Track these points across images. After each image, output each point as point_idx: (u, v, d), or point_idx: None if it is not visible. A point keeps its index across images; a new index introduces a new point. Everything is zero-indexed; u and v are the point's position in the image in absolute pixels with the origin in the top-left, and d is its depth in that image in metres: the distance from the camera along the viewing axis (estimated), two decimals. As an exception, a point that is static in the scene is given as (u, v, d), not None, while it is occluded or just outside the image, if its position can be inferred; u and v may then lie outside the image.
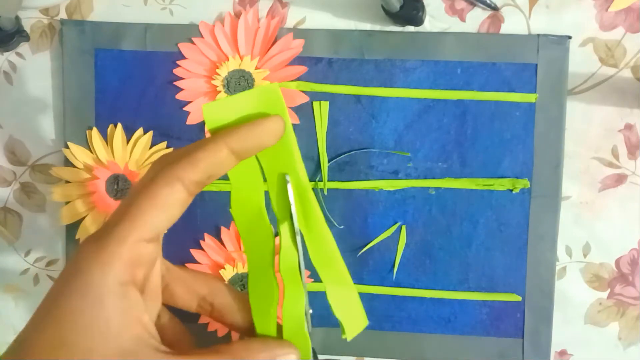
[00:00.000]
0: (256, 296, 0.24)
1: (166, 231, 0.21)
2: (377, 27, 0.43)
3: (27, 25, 0.44)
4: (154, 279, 0.22)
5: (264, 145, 0.22)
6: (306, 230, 0.24)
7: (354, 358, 0.44)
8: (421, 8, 0.40)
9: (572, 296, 0.43)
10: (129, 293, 0.20)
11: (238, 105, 0.23)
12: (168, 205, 0.20)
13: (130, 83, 0.43)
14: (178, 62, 0.42)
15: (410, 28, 0.42)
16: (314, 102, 0.42)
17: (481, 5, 0.42)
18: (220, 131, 0.22)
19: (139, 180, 0.21)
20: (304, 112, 0.43)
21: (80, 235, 0.43)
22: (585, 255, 0.43)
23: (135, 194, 0.20)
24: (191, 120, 0.43)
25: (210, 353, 0.21)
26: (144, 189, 0.20)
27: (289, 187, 0.23)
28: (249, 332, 0.25)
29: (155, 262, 0.21)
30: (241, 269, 0.42)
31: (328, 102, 0.42)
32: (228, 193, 0.43)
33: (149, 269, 0.21)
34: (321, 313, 0.43)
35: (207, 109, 0.22)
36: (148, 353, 0.19)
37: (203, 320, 0.43)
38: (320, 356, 0.44)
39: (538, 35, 0.41)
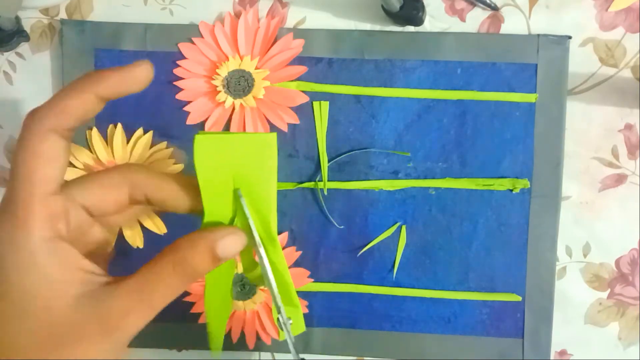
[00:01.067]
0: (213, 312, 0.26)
1: (63, 178, 0.22)
2: (377, 27, 0.43)
3: (27, 25, 0.44)
4: (77, 224, 0.22)
5: (130, 92, 0.23)
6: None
7: (354, 358, 0.44)
8: (421, 8, 0.40)
9: (572, 296, 0.43)
10: (57, 246, 0.21)
11: (231, 144, 0.23)
12: (53, 157, 0.21)
13: (130, 83, 0.43)
14: (178, 62, 0.42)
15: (410, 28, 0.42)
16: (314, 102, 0.42)
17: (481, 5, 0.42)
18: (87, 77, 0.22)
19: (17, 141, 0.21)
20: (304, 112, 0.43)
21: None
22: (585, 255, 0.43)
23: (20, 154, 0.21)
24: (191, 120, 0.43)
25: (154, 261, 0.22)
26: (25, 149, 0.21)
27: (243, 201, 0.23)
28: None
29: (69, 209, 0.22)
30: (241, 269, 0.42)
31: (328, 102, 0.42)
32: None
33: (67, 217, 0.22)
34: (321, 313, 0.44)
35: (199, 140, 0.22)
36: (98, 292, 0.21)
37: (203, 320, 0.43)
38: (307, 356, 0.44)
39: (538, 35, 0.41)
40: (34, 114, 0.22)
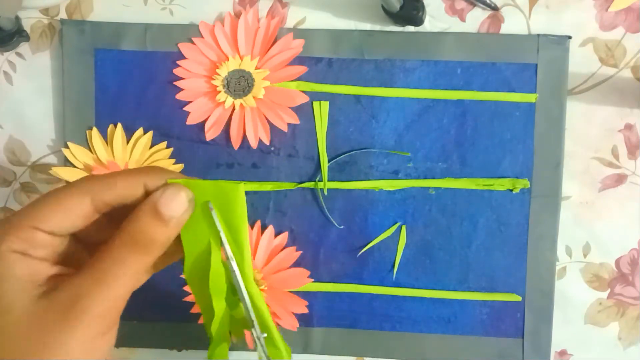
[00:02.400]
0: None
1: (68, 233, 0.23)
2: (377, 27, 0.43)
3: (27, 25, 0.44)
4: (47, 246, 0.23)
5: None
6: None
7: (354, 358, 0.44)
8: (421, 8, 0.40)
9: (572, 296, 0.43)
10: (11, 258, 0.21)
11: (202, 190, 0.23)
12: (72, 211, 0.22)
13: (130, 83, 0.43)
14: (178, 62, 0.42)
15: (410, 28, 0.42)
16: (314, 102, 0.42)
17: (481, 5, 0.42)
18: (139, 170, 0.23)
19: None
20: (304, 112, 0.43)
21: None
22: (585, 255, 0.43)
23: (54, 190, 0.22)
24: (191, 120, 0.43)
25: (109, 240, 0.22)
26: (60, 190, 0.22)
27: (214, 213, 0.23)
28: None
29: (53, 253, 0.23)
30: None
31: (328, 102, 0.42)
32: (228, 193, 0.43)
33: (43, 254, 0.22)
34: (321, 313, 0.44)
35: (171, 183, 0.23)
36: (60, 286, 0.21)
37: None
38: (307, 356, 0.44)
39: (538, 35, 0.41)
40: (88, 178, 0.23)
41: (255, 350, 0.26)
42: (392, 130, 0.43)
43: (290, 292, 0.43)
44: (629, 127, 0.42)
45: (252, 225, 0.43)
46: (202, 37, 0.42)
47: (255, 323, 0.25)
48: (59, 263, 0.22)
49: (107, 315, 0.21)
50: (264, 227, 0.43)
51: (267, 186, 0.43)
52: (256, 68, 0.42)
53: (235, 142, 0.43)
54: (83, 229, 0.23)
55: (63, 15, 0.44)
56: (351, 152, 0.43)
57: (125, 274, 0.22)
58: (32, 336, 0.20)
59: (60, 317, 0.20)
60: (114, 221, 0.23)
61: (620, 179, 0.42)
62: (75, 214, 0.22)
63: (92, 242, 0.24)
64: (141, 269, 0.22)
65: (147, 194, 0.23)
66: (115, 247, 0.22)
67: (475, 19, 0.42)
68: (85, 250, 0.24)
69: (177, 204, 0.22)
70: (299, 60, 0.42)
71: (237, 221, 0.23)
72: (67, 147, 0.43)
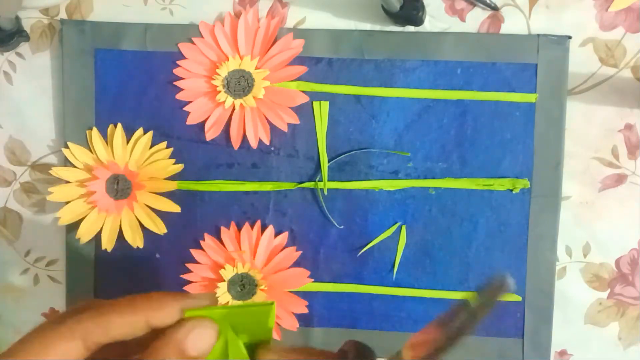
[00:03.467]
0: None
1: None
2: (377, 27, 0.43)
3: (27, 25, 0.44)
4: None
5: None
6: None
7: (354, 358, 0.44)
8: (421, 8, 0.40)
9: (572, 296, 0.43)
10: None
11: (225, 317, 0.21)
12: (60, 356, 0.20)
13: (130, 83, 0.43)
14: (178, 62, 0.42)
15: (410, 28, 0.42)
16: (314, 102, 0.42)
17: (481, 5, 0.42)
18: (140, 304, 0.21)
19: (50, 319, 0.21)
20: (304, 112, 0.43)
21: (80, 235, 0.43)
22: (585, 255, 0.43)
23: (41, 330, 0.20)
24: (191, 120, 0.43)
25: None
26: (48, 330, 0.20)
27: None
28: None
29: None
30: (241, 269, 0.42)
31: (328, 102, 0.42)
32: (228, 193, 0.43)
33: None
34: (321, 313, 0.44)
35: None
36: None
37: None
38: None
39: (538, 35, 0.41)
40: (77, 318, 0.21)
41: None
42: (392, 130, 0.43)
43: (290, 292, 0.43)
44: (629, 127, 0.42)
45: (252, 226, 0.43)
46: (202, 37, 0.42)
47: None
48: None
49: None
50: (264, 227, 0.43)
51: (267, 186, 0.43)
52: (256, 68, 0.42)
53: (235, 142, 0.43)
54: None
55: (63, 15, 0.44)
56: (351, 152, 0.43)
57: None
58: None
59: None
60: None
61: (620, 179, 0.42)
62: (63, 356, 0.20)
63: None
64: None
65: (154, 330, 0.21)
66: None
67: (475, 19, 0.42)
68: None
69: (205, 343, 0.21)
70: (299, 60, 0.42)
71: (262, 338, 0.22)
72: (67, 147, 0.43)
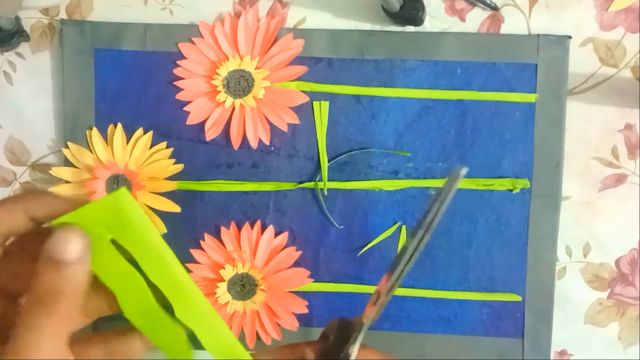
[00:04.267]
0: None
1: None
2: (377, 27, 0.42)
3: (27, 25, 0.44)
4: None
5: (59, 214, 0.22)
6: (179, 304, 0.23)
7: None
8: (421, 8, 0.40)
9: (572, 296, 0.43)
10: None
11: (90, 215, 0.21)
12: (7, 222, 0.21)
13: (130, 83, 0.43)
14: (178, 62, 0.42)
15: (410, 28, 0.42)
16: (314, 102, 0.42)
17: (481, 5, 0.42)
18: (21, 194, 0.22)
19: None
20: (304, 112, 0.43)
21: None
22: (585, 255, 0.43)
23: None
24: (191, 120, 0.43)
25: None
26: None
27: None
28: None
29: None
30: (241, 269, 0.42)
31: (328, 102, 0.42)
32: (228, 193, 0.43)
33: None
34: (321, 313, 0.44)
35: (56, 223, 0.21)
36: None
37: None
38: None
39: (538, 35, 0.41)
40: None
41: None
42: (392, 130, 0.43)
43: (290, 292, 0.43)
44: (629, 127, 0.42)
45: (252, 226, 0.43)
46: (202, 37, 0.42)
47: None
48: None
49: None
50: (264, 227, 0.43)
51: (267, 186, 0.43)
52: (256, 68, 0.42)
53: (235, 142, 0.43)
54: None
55: (63, 15, 0.44)
56: (351, 152, 0.43)
57: (43, 341, 0.19)
58: None
59: None
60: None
61: (620, 179, 0.42)
62: (10, 226, 0.21)
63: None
64: (58, 328, 0.20)
65: (38, 224, 0.22)
66: (25, 315, 0.20)
67: (475, 19, 0.42)
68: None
69: (72, 246, 0.20)
70: (299, 60, 0.42)
71: (141, 227, 0.21)
72: (67, 147, 0.43)
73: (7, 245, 0.22)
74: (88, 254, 0.21)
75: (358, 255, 0.43)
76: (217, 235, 0.43)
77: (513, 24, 0.42)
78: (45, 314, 0.20)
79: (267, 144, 0.43)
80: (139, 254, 0.22)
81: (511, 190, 0.42)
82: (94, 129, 0.43)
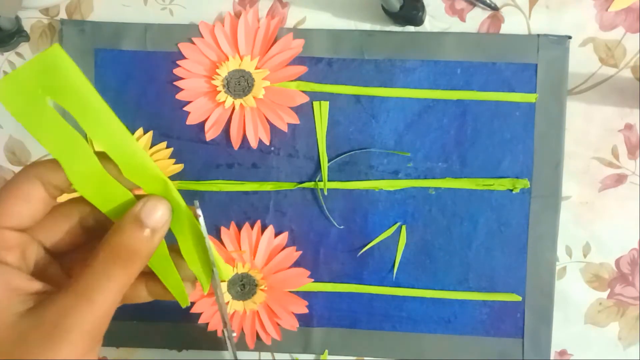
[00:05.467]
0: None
1: (33, 223, 0.22)
2: (377, 27, 0.43)
3: (27, 25, 0.44)
4: (34, 260, 0.23)
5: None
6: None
7: (354, 358, 0.44)
8: (421, 8, 0.40)
9: (572, 296, 0.43)
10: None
11: (27, 77, 0.21)
12: (28, 199, 0.22)
13: (130, 83, 0.43)
14: (178, 62, 0.42)
15: (410, 28, 0.42)
16: (314, 102, 0.42)
17: (481, 5, 0.42)
18: (33, 165, 0.23)
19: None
20: (304, 112, 0.43)
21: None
22: (585, 255, 0.43)
23: (2, 187, 0.22)
24: (191, 120, 0.43)
25: (91, 256, 0.22)
26: (8, 185, 0.22)
27: (201, 220, 0.23)
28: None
29: (26, 248, 0.22)
30: (241, 269, 0.42)
31: (328, 102, 0.42)
32: (228, 193, 0.43)
33: (18, 253, 0.22)
34: (321, 313, 0.44)
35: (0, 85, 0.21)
36: (42, 304, 0.21)
37: (204, 320, 0.43)
38: (306, 356, 0.44)
39: (538, 35, 0.41)
40: (32, 164, 0.23)
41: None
42: (392, 130, 0.43)
43: (290, 292, 0.43)
44: (629, 127, 0.42)
45: (252, 226, 0.43)
46: (202, 37, 0.42)
47: (228, 324, 0.24)
48: (38, 279, 0.22)
49: (92, 333, 0.21)
50: (264, 227, 0.43)
51: (267, 186, 0.43)
52: (256, 68, 0.42)
53: (235, 142, 0.43)
54: (60, 244, 0.23)
55: (63, 15, 0.44)
56: (351, 152, 0.43)
57: (110, 289, 0.21)
58: (15, 356, 0.20)
59: (45, 336, 0.20)
60: (91, 241, 0.23)
61: (620, 179, 0.42)
62: (31, 200, 0.22)
63: (71, 262, 0.24)
64: (125, 283, 0.22)
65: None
66: (98, 262, 0.21)
67: (475, 19, 0.42)
68: (64, 272, 0.24)
69: (160, 215, 0.22)
70: (299, 60, 0.42)
71: (77, 83, 0.21)
72: (67, 147, 0.43)
73: (56, 205, 0.23)
74: (168, 226, 0.23)
75: (358, 255, 0.43)
76: (217, 235, 0.43)
77: (513, 24, 0.42)
78: (121, 267, 0.21)
79: (267, 144, 0.43)
80: (78, 112, 0.21)
81: (511, 190, 0.42)
82: (94, 129, 0.43)
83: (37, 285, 0.22)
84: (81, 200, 0.23)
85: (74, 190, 0.22)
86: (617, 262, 0.43)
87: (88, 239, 0.24)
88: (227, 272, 0.26)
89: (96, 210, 0.23)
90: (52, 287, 0.22)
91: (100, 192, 0.23)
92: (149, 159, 0.23)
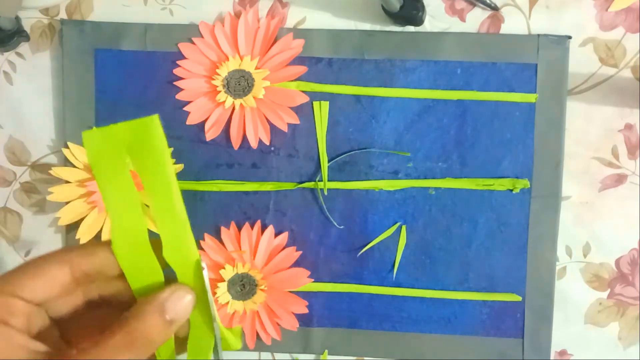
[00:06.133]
0: None
1: (46, 301, 0.22)
2: (377, 27, 0.42)
3: (27, 25, 0.44)
4: (25, 315, 0.22)
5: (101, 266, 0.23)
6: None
7: (354, 358, 0.44)
8: (421, 8, 0.40)
9: (572, 296, 0.43)
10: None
11: (118, 134, 0.22)
12: (52, 281, 0.22)
13: (130, 83, 0.43)
14: (178, 62, 0.42)
15: (410, 28, 0.42)
16: (314, 102, 0.42)
17: (481, 5, 0.42)
18: (64, 249, 0.23)
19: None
20: (304, 112, 0.43)
21: (80, 235, 0.43)
22: (585, 255, 0.43)
23: (33, 259, 0.22)
24: (191, 120, 0.43)
25: (105, 337, 0.21)
26: (38, 259, 0.22)
27: (205, 273, 0.22)
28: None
29: (31, 315, 0.22)
30: (241, 269, 0.42)
31: (328, 102, 0.42)
32: (228, 193, 0.43)
33: (24, 319, 0.22)
34: (321, 313, 0.44)
35: (87, 137, 0.22)
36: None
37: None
38: (307, 356, 0.44)
39: (538, 35, 0.41)
40: (67, 249, 0.23)
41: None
42: (392, 130, 0.43)
43: (290, 292, 0.43)
44: (629, 127, 0.42)
45: (252, 226, 0.43)
46: (202, 37, 0.42)
47: (216, 319, 0.23)
48: (37, 339, 0.22)
49: None
50: (264, 227, 0.43)
51: (267, 186, 0.43)
52: (256, 68, 0.42)
53: (235, 142, 0.43)
54: (63, 311, 0.23)
55: (63, 15, 0.44)
56: (351, 152, 0.43)
57: None
58: None
59: None
60: (93, 310, 0.23)
61: (620, 179, 0.42)
62: (54, 282, 0.22)
63: (69, 326, 0.23)
64: None
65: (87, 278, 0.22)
66: (111, 344, 0.21)
67: (475, 19, 0.42)
68: (62, 336, 0.24)
69: (183, 308, 0.22)
70: (299, 60, 0.42)
71: (160, 157, 0.22)
72: (67, 147, 0.43)
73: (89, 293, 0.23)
74: (187, 317, 0.22)
75: (358, 255, 0.43)
76: (217, 235, 0.43)
77: (513, 24, 0.42)
78: (133, 353, 0.21)
79: (267, 144, 0.43)
80: (148, 180, 0.22)
81: (511, 190, 0.42)
82: (94, 129, 0.43)
83: (39, 346, 0.21)
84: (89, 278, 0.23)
85: (97, 280, 0.22)
86: (617, 262, 0.43)
87: (90, 308, 0.24)
88: (234, 342, 0.25)
89: (102, 286, 0.23)
90: (52, 349, 0.22)
91: (135, 263, 0.22)
92: (195, 247, 0.23)
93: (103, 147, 0.22)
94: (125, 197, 0.22)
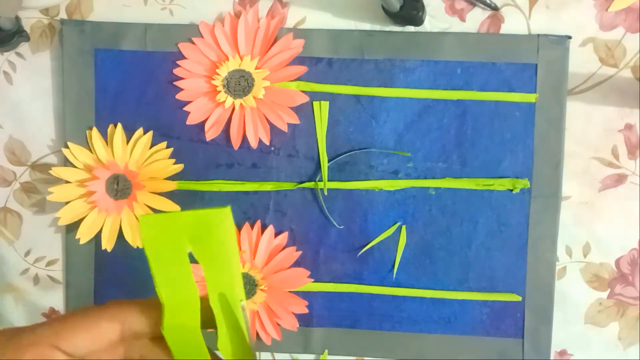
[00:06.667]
0: None
1: (86, 356, 0.21)
2: (377, 27, 0.43)
3: (27, 25, 0.44)
4: None
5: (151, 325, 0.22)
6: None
7: (354, 358, 0.44)
8: (421, 8, 0.40)
9: (572, 296, 0.43)
10: None
11: (180, 221, 0.21)
12: (99, 338, 0.21)
13: (130, 83, 0.43)
14: (178, 62, 0.42)
15: (410, 28, 0.42)
16: (314, 102, 0.42)
17: (481, 5, 0.42)
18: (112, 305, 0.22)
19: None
20: (304, 112, 0.43)
21: (80, 235, 0.43)
22: (585, 255, 0.43)
23: (83, 310, 0.21)
24: (191, 120, 0.43)
25: None
26: (89, 310, 0.21)
27: (245, 313, 0.22)
28: None
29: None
30: (241, 269, 0.42)
31: (328, 102, 0.42)
32: (228, 193, 0.43)
33: None
34: (321, 313, 0.44)
35: (144, 221, 0.21)
36: None
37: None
38: (308, 356, 0.44)
39: (538, 35, 0.41)
40: (120, 305, 0.22)
41: None
42: (392, 130, 0.43)
43: (290, 292, 0.43)
44: (629, 127, 0.42)
45: (252, 226, 0.43)
46: (202, 37, 0.42)
47: None
48: None
49: None
50: (264, 227, 0.43)
51: (267, 186, 0.43)
52: (256, 68, 0.42)
53: (235, 142, 0.43)
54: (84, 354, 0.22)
55: (63, 15, 0.44)
56: (351, 152, 0.43)
57: None
58: None
59: None
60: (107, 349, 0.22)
61: (620, 179, 0.42)
62: (101, 338, 0.21)
63: None
64: None
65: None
66: None
67: (475, 19, 0.42)
68: None
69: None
70: (299, 60, 0.42)
71: (228, 252, 0.21)
72: (67, 147, 0.43)
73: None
74: None
75: (358, 255, 0.43)
76: (217, 235, 0.43)
77: (513, 24, 0.42)
78: None
79: (267, 144, 0.43)
80: (210, 275, 0.21)
81: (511, 190, 0.42)
82: (94, 129, 0.43)
83: None
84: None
85: (142, 338, 0.22)
86: (617, 262, 0.43)
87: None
88: None
89: (145, 346, 0.22)
90: None
91: (185, 351, 0.22)
92: (246, 335, 0.22)
93: (161, 234, 0.21)
94: (183, 287, 0.21)
